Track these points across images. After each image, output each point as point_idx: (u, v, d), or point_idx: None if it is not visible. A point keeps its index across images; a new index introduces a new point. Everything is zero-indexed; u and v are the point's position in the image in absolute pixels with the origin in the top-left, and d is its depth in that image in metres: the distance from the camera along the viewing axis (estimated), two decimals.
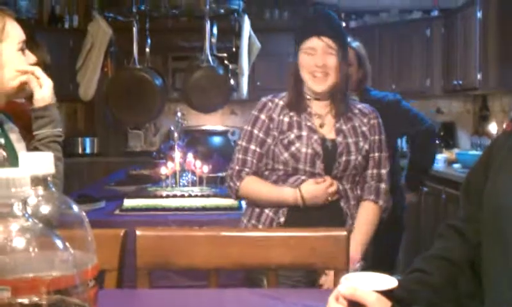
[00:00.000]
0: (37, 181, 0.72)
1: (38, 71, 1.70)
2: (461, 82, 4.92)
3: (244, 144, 2.02)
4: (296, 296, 1.37)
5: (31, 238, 0.55)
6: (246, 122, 2.05)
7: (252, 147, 2.00)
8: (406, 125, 2.93)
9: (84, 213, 0.76)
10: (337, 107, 2.00)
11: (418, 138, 3.00)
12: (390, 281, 1.03)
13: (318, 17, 2.03)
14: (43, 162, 0.73)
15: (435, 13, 5.50)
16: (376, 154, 2.03)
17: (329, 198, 1.94)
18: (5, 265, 0.54)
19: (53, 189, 0.74)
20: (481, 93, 5.14)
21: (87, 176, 5.28)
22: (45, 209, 0.72)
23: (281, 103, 2.02)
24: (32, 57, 1.72)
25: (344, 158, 1.96)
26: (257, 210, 2.02)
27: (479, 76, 4.57)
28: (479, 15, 4.52)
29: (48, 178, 0.74)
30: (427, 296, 1.10)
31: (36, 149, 1.69)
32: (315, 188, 1.93)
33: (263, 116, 2.00)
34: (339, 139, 1.98)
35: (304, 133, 1.96)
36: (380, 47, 5.53)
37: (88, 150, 5.75)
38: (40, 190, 0.73)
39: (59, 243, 0.56)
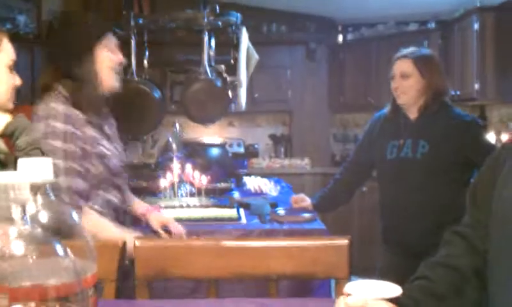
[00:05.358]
0: (36, 188, 0.71)
1: None
2: (458, 92, 4.92)
3: None
4: (297, 305, 1.35)
5: (30, 244, 0.54)
6: None
7: None
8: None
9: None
10: None
11: None
12: (393, 289, 1.02)
13: None
14: (42, 169, 0.72)
15: (432, 24, 5.52)
16: None
17: None
18: (3, 271, 0.53)
19: (52, 197, 0.73)
20: (479, 104, 5.15)
21: None
22: (44, 217, 0.71)
23: None
24: (18, 80, 1.71)
25: None
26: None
27: (476, 86, 4.57)
28: (476, 26, 4.53)
29: (47, 186, 0.73)
30: (432, 304, 1.09)
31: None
32: None
33: None
34: None
35: None
36: (377, 59, 5.54)
37: None
38: (39, 198, 0.71)
39: (59, 249, 0.55)
